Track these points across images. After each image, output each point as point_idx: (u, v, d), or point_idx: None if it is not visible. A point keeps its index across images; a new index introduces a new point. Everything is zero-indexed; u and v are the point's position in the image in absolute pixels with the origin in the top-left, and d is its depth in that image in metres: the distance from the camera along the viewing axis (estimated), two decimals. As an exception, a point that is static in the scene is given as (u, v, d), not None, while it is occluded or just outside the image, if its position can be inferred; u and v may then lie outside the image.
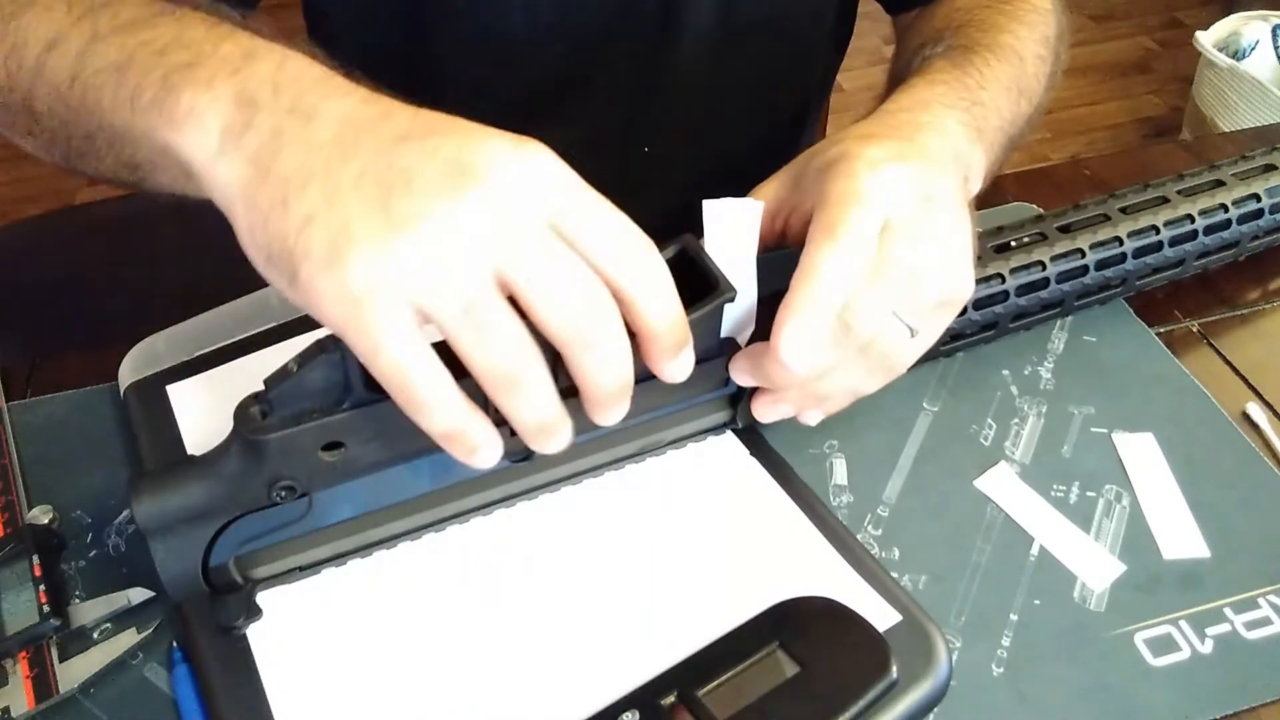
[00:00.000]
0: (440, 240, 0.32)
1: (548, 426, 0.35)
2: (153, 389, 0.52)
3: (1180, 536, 0.48)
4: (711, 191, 0.45)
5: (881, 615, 0.41)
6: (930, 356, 0.47)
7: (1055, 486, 0.50)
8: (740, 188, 0.48)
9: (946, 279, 0.44)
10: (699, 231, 0.45)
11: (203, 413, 0.51)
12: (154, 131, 0.36)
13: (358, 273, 0.31)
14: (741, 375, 0.46)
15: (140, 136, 0.37)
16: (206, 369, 0.52)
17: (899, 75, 0.55)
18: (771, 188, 0.48)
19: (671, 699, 0.38)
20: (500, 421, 0.36)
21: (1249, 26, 1.88)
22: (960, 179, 0.47)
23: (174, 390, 0.52)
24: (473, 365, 0.33)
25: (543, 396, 0.34)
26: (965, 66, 0.53)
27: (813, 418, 0.48)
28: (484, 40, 0.67)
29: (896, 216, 0.43)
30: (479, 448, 0.35)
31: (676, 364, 0.38)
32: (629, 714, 0.37)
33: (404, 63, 0.71)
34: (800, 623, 0.40)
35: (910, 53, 0.62)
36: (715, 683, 0.38)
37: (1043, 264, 0.53)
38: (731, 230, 0.44)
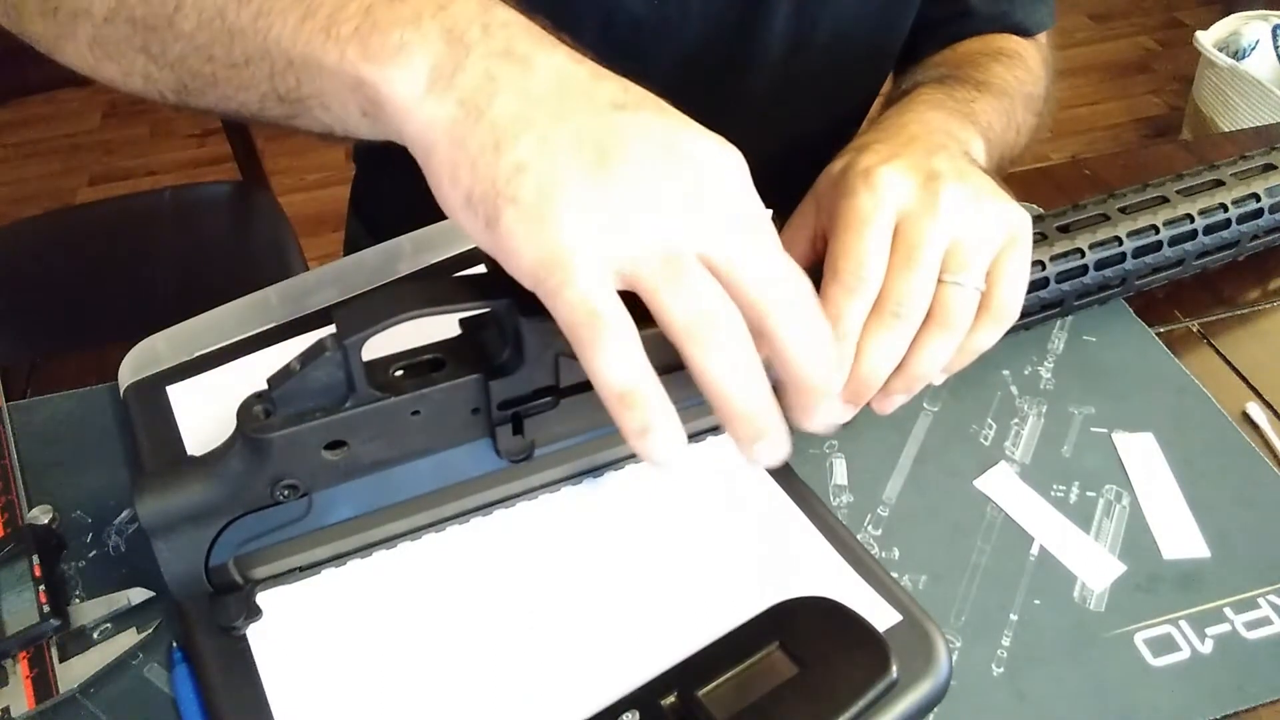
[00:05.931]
0: (647, 203, 0.33)
1: (743, 379, 0.34)
2: (153, 389, 0.52)
3: (1180, 536, 0.48)
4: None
5: (881, 615, 0.41)
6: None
7: (1055, 486, 0.50)
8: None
9: (989, 227, 0.44)
10: None
11: (203, 413, 0.51)
12: (347, 65, 0.34)
13: (566, 222, 0.32)
14: (841, 411, 0.45)
15: (323, 69, 0.35)
16: (206, 369, 0.52)
17: (892, 102, 0.56)
18: (801, 221, 0.49)
19: (671, 699, 0.38)
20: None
21: (1249, 26, 1.89)
22: (960, 152, 0.47)
23: (174, 391, 0.52)
24: (668, 312, 0.33)
25: (740, 343, 0.34)
26: (954, 87, 0.55)
27: (939, 379, 0.46)
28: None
29: (906, 206, 0.44)
30: (652, 419, 0.33)
31: (817, 415, 0.37)
32: (629, 714, 0.37)
33: None
34: (800, 623, 0.40)
35: (903, 82, 0.63)
36: (715, 683, 0.38)
37: (1042, 264, 0.53)
38: None
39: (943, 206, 0.43)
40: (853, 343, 0.43)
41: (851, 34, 0.69)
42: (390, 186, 0.83)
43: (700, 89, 0.69)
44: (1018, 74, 0.61)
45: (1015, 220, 0.45)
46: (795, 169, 0.51)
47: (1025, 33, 0.67)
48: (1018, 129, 0.58)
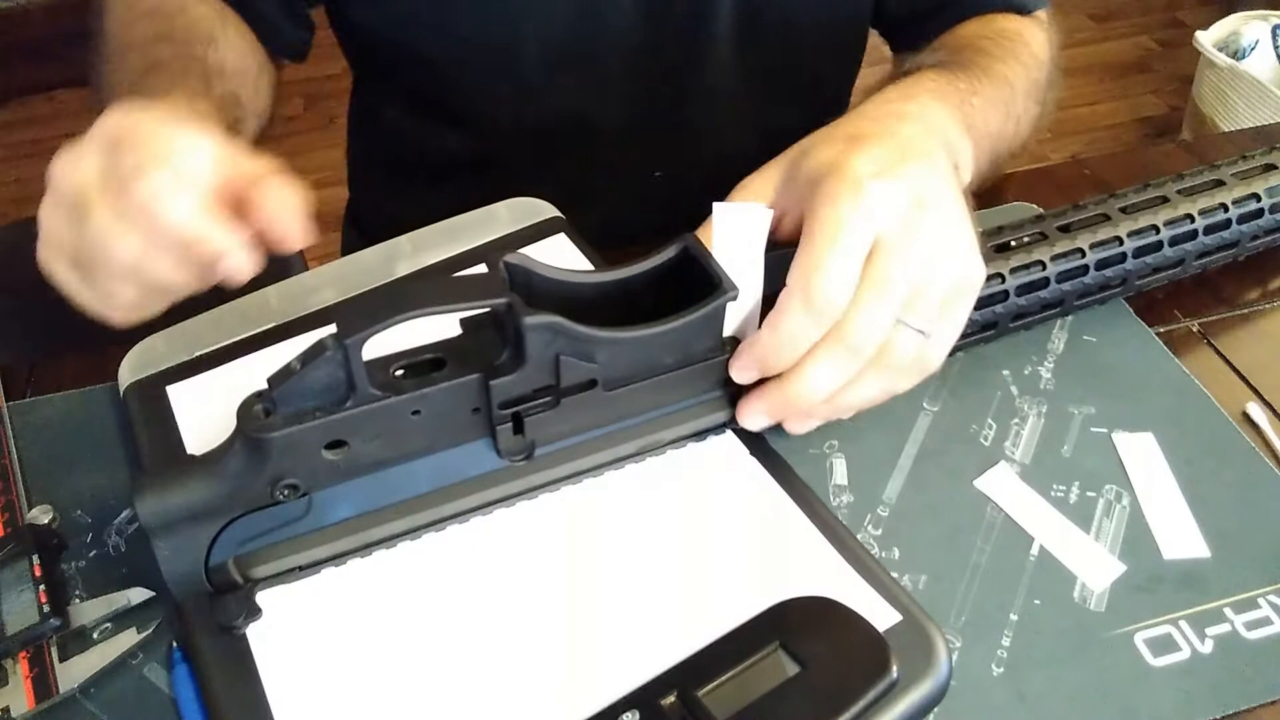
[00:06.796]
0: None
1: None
2: (153, 389, 0.52)
3: (1180, 536, 0.48)
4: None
5: (881, 615, 0.41)
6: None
7: (1055, 486, 0.50)
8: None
9: (951, 273, 0.45)
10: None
11: (203, 413, 0.51)
12: None
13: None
14: (759, 417, 0.47)
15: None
16: (206, 369, 0.52)
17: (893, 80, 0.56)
18: (767, 182, 0.48)
19: (672, 699, 0.38)
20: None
21: (1249, 26, 1.89)
22: (950, 166, 0.47)
23: (174, 390, 0.52)
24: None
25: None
26: (957, 73, 0.54)
27: (846, 416, 0.48)
28: (503, 73, 0.68)
29: (886, 231, 0.43)
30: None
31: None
32: (629, 714, 0.37)
33: (439, 96, 0.72)
34: (800, 623, 0.40)
35: (905, 61, 0.62)
36: (715, 683, 0.38)
37: (1043, 264, 0.53)
38: (739, 234, 0.45)
39: (921, 243, 0.43)
40: (793, 357, 0.44)
41: (799, 20, 0.69)
42: (387, 203, 0.83)
43: (660, 83, 0.70)
44: (1020, 57, 0.60)
45: (972, 271, 0.46)
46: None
47: (1023, 10, 0.66)
48: (1017, 120, 0.58)
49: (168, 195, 0.39)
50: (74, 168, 0.41)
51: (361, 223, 0.88)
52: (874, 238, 0.43)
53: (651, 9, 0.66)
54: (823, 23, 0.70)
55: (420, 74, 0.71)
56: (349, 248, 0.89)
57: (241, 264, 0.41)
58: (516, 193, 0.63)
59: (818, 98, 0.78)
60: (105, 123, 0.42)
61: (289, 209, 0.42)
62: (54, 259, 0.44)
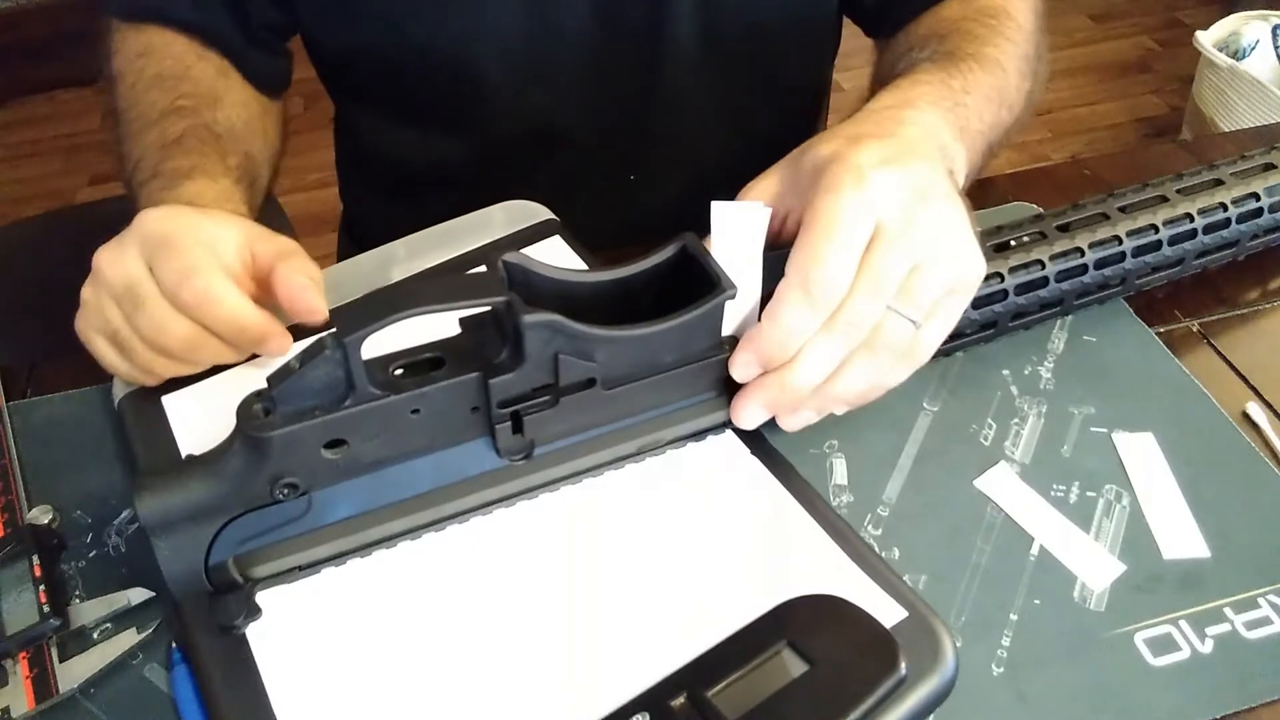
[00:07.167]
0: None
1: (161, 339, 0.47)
2: (148, 399, 0.51)
3: (1180, 536, 0.48)
4: (699, 212, 0.45)
5: (888, 611, 0.41)
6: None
7: (1055, 486, 0.50)
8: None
9: (949, 267, 0.45)
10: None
11: (199, 422, 0.50)
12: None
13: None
14: (754, 409, 0.46)
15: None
16: (203, 377, 0.52)
17: (883, 78, 0.55)
18: (769, 186, 0.48)
19: (681, 700, 0.38)
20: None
21: (1249, 26, 1.89)
22: (946, 170, 0.47)
23: (169, 400, 0.51)
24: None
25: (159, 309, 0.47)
26: (950, 70, 0.54)
27: (839, 411, 0.48)
28: (471, 86, 0.68)
29: (887, 219, 0.43)
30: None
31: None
32: (639, 716, 0.37)
33: (412, 110, 0.72)
34: (807, 621, 0.40)
35: (895, 57, 0.62)
36: (724, 683, 0.38)
37: (1042, 263, 0.53)
38: (738, 233, 0.45)
39: (920, 233, 0.43)
40: (794, 349, 0.44)
41: (763, 20, 0.69)
42: (377, 212, 0.83)
43: (623, 89, 0.70)
44: (1008, 35, 0.60)
45: (970, 267, 0.46)
46: (769, 164, 0.50)
47: None
48: (1011, 106, 0.58)
49: (218, 292, 0.46)
50: (122, 264, 0.47)
51: (355, 231, 0.88)
52: (874, 226, 0.43)
53: (606, 17, 0.66)
54: (788, 22, 0.70)
55: (392, 89, 0.71)
56: (344, 256, 0.90)
57: (284, 343, 0.49)
58: (496, 200, 0.63)
59: (791, 99, 0.78)
60: (145, 224, 0.48)
61: (309, 285, 0.48)
62: (93, 336, 0.49)
